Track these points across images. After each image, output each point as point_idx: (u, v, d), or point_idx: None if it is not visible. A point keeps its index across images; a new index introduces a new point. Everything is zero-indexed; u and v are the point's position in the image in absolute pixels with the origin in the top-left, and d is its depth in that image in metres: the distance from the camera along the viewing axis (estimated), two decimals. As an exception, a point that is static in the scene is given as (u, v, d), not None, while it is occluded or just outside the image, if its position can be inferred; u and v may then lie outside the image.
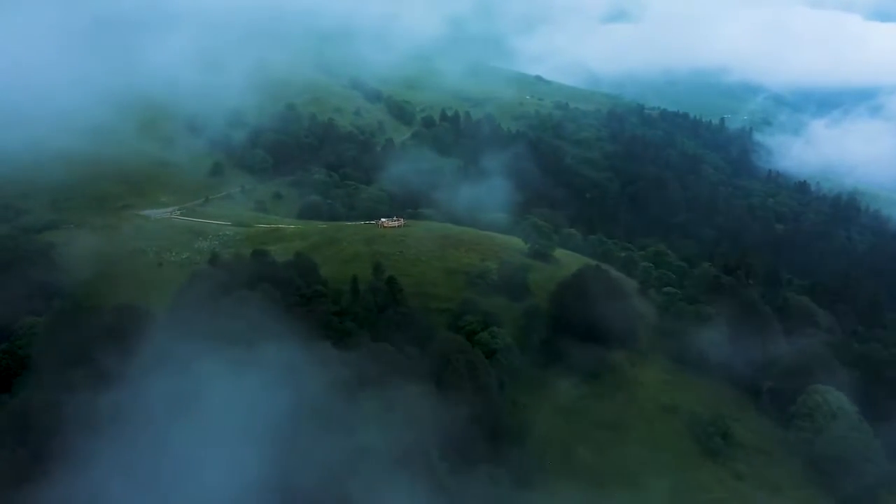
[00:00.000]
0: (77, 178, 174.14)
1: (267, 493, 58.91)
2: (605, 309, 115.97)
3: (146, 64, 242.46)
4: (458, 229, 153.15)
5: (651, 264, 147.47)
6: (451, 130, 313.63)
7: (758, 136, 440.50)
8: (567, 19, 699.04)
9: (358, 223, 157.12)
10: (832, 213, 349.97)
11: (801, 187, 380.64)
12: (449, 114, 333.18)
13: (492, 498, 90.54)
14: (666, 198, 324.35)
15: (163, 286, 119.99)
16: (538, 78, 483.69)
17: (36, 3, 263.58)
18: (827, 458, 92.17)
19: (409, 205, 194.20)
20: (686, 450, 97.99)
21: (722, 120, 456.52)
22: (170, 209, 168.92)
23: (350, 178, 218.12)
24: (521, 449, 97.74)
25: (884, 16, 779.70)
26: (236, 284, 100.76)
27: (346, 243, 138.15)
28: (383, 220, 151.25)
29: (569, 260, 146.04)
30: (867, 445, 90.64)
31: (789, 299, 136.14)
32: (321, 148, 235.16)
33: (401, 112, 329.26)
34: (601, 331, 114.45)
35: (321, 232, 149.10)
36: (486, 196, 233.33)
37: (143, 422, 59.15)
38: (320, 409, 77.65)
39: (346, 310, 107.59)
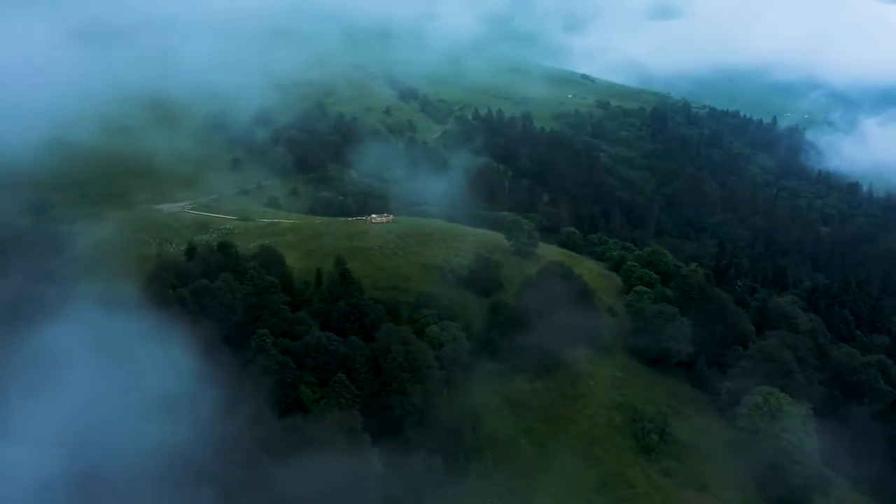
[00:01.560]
0: (104, 174, 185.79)
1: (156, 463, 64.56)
2: (566, 306, 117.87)
3: (175, 65, 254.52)
4: (447, 225, 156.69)
5: (636, 263, 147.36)
6: (482, 129, 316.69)
7: (810, 135, 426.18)
8: (616, 16, 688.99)
9: (349, 219, 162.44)
10: (883, 216, 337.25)
11: (852, 188, 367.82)
12: (482, 112, 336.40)
13: (423, 483, 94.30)
14: (702, 198, 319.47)
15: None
16: (584, 76, 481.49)
17: (65, 6, 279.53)
18: (758, 459, 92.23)
19: (418, 201, 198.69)
20: (622, 445, 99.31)
21: (774, 118, 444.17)
22: (183, 204, 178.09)
23: (368, 175, 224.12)
24: (461, 438, 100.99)
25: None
26: (199, 274, 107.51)
27: (331, 238, 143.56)
28: (373, 215, 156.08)
29: (554, 258, 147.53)
30: (797, 448, 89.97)
31: (768, 301, 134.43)
32: (344, 146, 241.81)
33: (434, 110, 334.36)
34: (561, 327, 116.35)
35: (313, 227, 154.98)
36: (499, 193, 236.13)
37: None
38: (242, 392, 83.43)
39: (306, 300, 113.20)
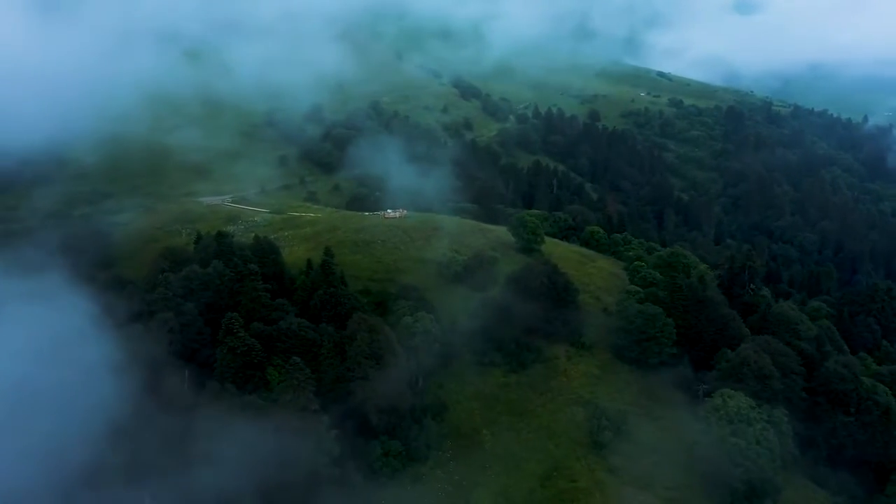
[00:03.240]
0: (155, 168, 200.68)
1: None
2: (547, 303, 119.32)
3: (233, 64, 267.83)
4: (457, 221, 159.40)
5: (643, 264, 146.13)
6: (541, 127, 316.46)
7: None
8: (698, 11, 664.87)
9: (364, 213, 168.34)
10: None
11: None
12: (543, 111, 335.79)
13: (380, 466, 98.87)
14: (770, 200, 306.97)
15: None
16: (660, 74, 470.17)
17: (123, 5, 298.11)
18: (705, 460, 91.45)
19: (450, 199, 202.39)
20: (576, 440, 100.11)
21: (865, 117, 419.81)
22: (223, 197, 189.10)
23: (408, 172, 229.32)
24: (424, 426, 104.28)
25: None
26: (197, 260, 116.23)
27: (343, 231, 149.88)
28: (388, 210, 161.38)
29: (561, 255, 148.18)
30: (742, 451, 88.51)
31: (772, 306, 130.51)
32: (390, 143, 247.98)
33: (496, 109, 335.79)
34: (541, 323, 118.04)
35: (331, 220, 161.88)
36: (542, 192, 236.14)
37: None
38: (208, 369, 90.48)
39: (293, 289, 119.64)
